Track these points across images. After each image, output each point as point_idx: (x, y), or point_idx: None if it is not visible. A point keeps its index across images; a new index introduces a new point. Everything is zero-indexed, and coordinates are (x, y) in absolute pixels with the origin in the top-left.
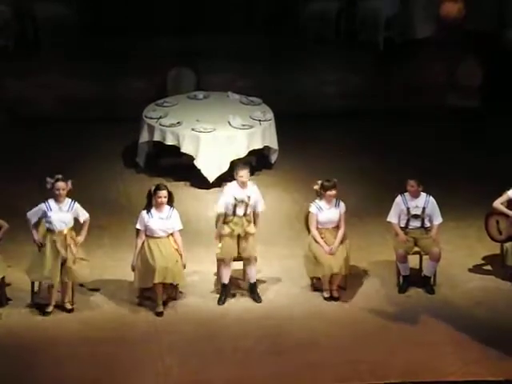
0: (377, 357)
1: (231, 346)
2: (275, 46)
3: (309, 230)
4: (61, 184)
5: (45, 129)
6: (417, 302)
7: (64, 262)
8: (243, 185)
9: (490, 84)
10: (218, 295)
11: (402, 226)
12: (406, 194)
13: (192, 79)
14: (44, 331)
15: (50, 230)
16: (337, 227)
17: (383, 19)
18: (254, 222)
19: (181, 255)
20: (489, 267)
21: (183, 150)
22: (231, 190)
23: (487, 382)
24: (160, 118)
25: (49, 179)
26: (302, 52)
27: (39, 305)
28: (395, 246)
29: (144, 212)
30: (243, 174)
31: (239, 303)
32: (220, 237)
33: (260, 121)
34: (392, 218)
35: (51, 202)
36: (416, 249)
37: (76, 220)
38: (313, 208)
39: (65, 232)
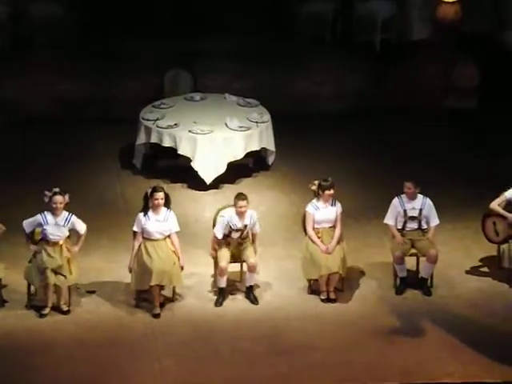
0: (373, 358)
1: (228, 347)
2: (272, 48)
3: (306, 231)
4: (58, 198)
5: (41, 130)
6: (413, 303)
7: (59, 269)
8: (241, 215)
9: (487, 85)
10: (215, 297)
11: (399, 227)
12: (403, 195)
13: (189, 81)
14: (40, 333)
15: (45, 240)
16: (333, 227)
17: (380, 21)
18: (253, 241)
19: (178, 257)
20: (485, 269)
21: (180, 151)
22: (229, 219)
23: (484, 383)
24: (157, 119)
25: (47, 192)
26: (298, 53)
27: (36, 307)
28: (392, 247)
29: (141, 214)
30: (242, 204)
31: (236, 305)
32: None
33: (257, 122)
34: (389, 220)
35: (48, 214)
36: (413, 250)
37: (72, 230)
38: (310, 208)
39: (60, 243)
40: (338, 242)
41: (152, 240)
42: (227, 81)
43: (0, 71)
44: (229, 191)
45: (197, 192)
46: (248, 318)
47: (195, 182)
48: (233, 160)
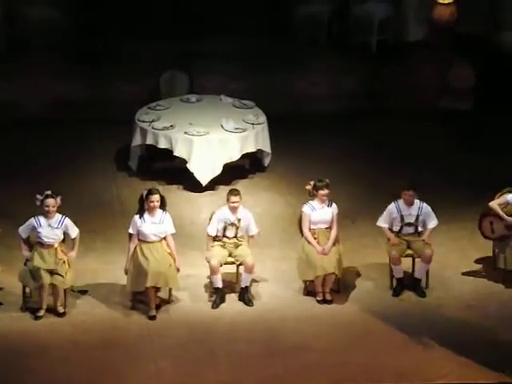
0: (369, 359)
1: (224, 349)
2: (268, 49)
3: (302, 232)
4: (50, 201)
5: (36, 131)
6: (409, 304)
7: (55, 270)
8: (234, 210)
9: (482, 86)
10: (211, 298)
11: (396, 230)
12: (400, 201)
13: (185, 82)
14: (35, 335)
15: (40, 244)
16: (329, 228)
17: (376, 22)
18: (249, 244)
19: (174, 259)
20: (481, 270)
21: (176, 153)
22: (222, 214)
23: None
24: (153, 121)
25: (38, 196)
26: (294, 54)
27: (31, 309)
28: (388, 248)
29: (137, 217)
30: (235, 199)
31: (232, 306)
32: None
33: (253, 124)
34: (381, 222)
35: (41, 218)
36: (409, 251)
37: (65, 234)
38: (306, 208)
39: (55, 246)
40: (334, 243)
41: (148, 242)
42: (223, 82)
43: None
44: (225, 193)
45: (193, 194)
46: (244, 319)
47: (191, 184)
48: (229, 161)
